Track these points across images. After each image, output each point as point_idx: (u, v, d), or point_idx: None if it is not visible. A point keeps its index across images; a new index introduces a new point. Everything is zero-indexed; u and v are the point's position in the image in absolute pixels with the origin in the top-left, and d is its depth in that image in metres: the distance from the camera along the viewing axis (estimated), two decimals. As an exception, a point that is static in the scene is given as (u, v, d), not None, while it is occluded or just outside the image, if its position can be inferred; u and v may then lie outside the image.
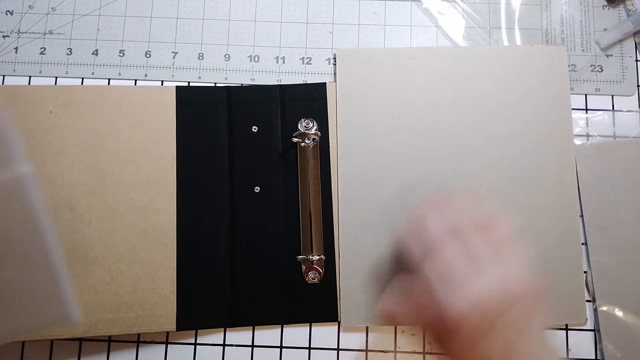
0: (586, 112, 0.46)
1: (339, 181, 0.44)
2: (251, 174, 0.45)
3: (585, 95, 0.47)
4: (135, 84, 0.47)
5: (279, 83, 0.47)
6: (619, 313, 0.42)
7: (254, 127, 0.46)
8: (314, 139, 0.44)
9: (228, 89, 0.46)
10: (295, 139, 0.44)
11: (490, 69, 0.46)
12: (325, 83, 0.46)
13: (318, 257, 0.43)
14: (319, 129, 0.45)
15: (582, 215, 0.44)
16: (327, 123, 0.45)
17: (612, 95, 0.47)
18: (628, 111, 0.46)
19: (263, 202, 0.45)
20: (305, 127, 0.45)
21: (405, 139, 0.45)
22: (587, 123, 0.46)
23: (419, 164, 0.44)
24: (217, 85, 0.47)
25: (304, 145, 0.44)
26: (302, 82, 0.47)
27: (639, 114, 0.46)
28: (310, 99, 0.46)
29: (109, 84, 0.47)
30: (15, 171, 0.32)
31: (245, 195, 0.45)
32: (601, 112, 0.46)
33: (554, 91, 0.45)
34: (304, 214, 0.44)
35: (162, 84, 0.47)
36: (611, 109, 0.46)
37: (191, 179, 0.44)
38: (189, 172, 0.44)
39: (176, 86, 0.46)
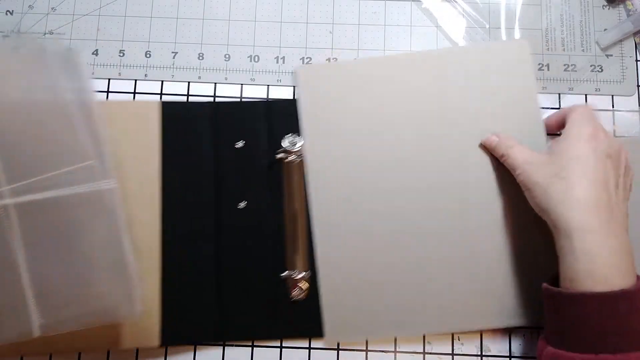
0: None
1: (312, 200, 0.44)
2: (237, 190, 0.44)
3: (585, 95, 0.47)
4: (135, 84, 0.47)
5: (265, 99, 0.47)
6: None
7: (239, 142, 0.45)
8: (299, 155, 0.44)
9: (214, 104, 0.46)
10: (280, 155, 0.43)
11: (453, 70, 0.45)
12: None
13: (303, 274, 0.42)
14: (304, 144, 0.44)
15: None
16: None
17: (612, 95, 0.47)
18: (620, 110, 0.46)
19: (248, 218, 0.44)
20: (290, 142, 0.44)
21: (373, 148, 0.44)
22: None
23: (388, 172, 0.44)
24: (202, 97, 0.47)
25: (289, 161, 0.44)
26: (288, 98, 0.47)
27: (611, 113, 0.46)
28: (297, 114, 0.45)
29: (109, 83, 0.47)
30: (99, 185, 0.39)
31: (231, 211, 0.44)
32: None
33: (519, 87, 0.45)
34: (289, 230, 0.44)
35: (161, 84, 0.47)
36: (611, 108, 0.47)
37: (176, 193, 0.44)
38: (174, 187, 0.44)
39: (161, 101, 0.46)
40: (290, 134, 0.44)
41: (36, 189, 0.38)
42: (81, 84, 0.41)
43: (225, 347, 0.43)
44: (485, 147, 0.43)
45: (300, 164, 0.44)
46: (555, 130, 0.43)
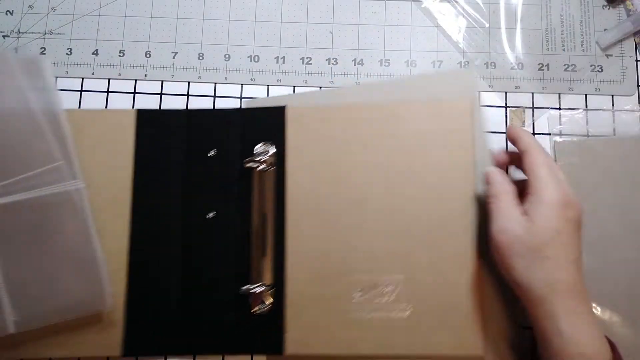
0: (559, 109, 0.47)
1: (288, 218, 0.43)
2: (206, 199, 0.44)
3: (585, 95, 0.47)
4: (135, 84, 0.47)
5: (238, 107, 0.46)
6: (596, 311, 0.42)
7: (212, 151, 0.45)
8: (270, 164, 0.43)
9: (189, 112, 0.46)
10: (249, 164, 0.43)
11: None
12: (284, 107, 0.45)
13: (267, 287, 0.42)
14: (277, 153, 0.44)
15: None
16: (285, 147, 0.44)
17: (612, 95, 0.47)
18: (605, 110, 0.46)
19: (216, 228, 0.43)
20: (262, 151, 0.44)
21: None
22: (563, 120, 0.46)
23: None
24: (178, 109, 0.46)
25: (260, 170, 0.43)
26: (262, 106, 0.46)
27: (611, 112, 0.46)
28: (270, 123, 0.45)
29: (109, 83, 0.47)
30: (68, 186, 0.42)
31: (199, 220, 0.43)
32: (581, 110, 0.47)
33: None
34: (255, 241, 0.43)
35: (161, 84, 0.47)
36: (611, 108, 0.47)
37: (146, 203, 0.44)
38: (144, 195, 0.44)
39: (137, 110, 0.45)
40: (262, 143, 0.44)
41: (6, 192, 0.40)
42: (46, 89, 0.43)
43: (196, 358, 0.43)
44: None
45: (271, 174, 0.44)
46: (508, 165, 0.43)
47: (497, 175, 0.40)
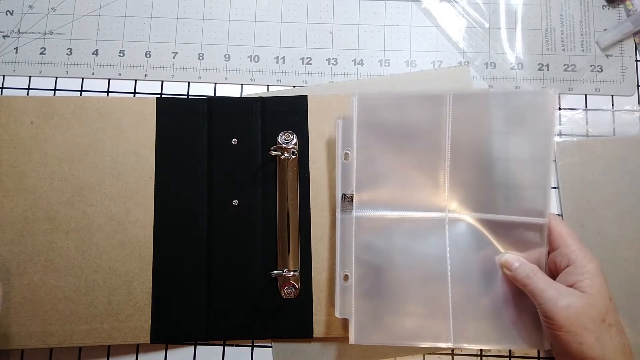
0: (559, 109, 0.47)
1: (312, 200, 0.44)
2: (230, 187, 0.44)
3: (585, 95, 0.47)
4: (135, 84, 0.47)
5: (260, 95, 0.47)
6: None
7: (234, 139, 0.45)
8: (293, 152, 0.44)
9: (209, 100, 0.46)
10: (274, 152, 0.43)
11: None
12: (306, 96, 0.45)
13: (294, 272, 0.42)
14: (299, 141, 0.44)
15: (561, 214, 0.45)
16: (308, 136, 0.45)
17: (612, 95, 0.47)
18: (605, 110, 0.47)
19: (241, 215, 0.44)
20: (285, 140, 0.44)
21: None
22: (563, 120, 0.46)
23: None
24: (198, 96, 0.47)
25: (283, 158, 0.43)
26: (284, 95, 0.46)
27: (610, 112, 0.46)
28: (291, 112, 0.45)
29: (109, 83, 0.47)
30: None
31: (223, 208, 0.44)
32: (581, 110, 0.47)
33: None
34: (281, 228, 0.43)
35: (161, 84, 0.47)
36: (611, 108, 0.47)
37: (169, 191, 0.44)
38: (167, 184, 0.44)
39: (157, 97, 0.45)
40: (284, 131, 0.44)
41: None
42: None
43: (226, 347, 0.44)
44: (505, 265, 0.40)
45: (294, 161, 0.44)
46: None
47: (514, 257, 0.39)
